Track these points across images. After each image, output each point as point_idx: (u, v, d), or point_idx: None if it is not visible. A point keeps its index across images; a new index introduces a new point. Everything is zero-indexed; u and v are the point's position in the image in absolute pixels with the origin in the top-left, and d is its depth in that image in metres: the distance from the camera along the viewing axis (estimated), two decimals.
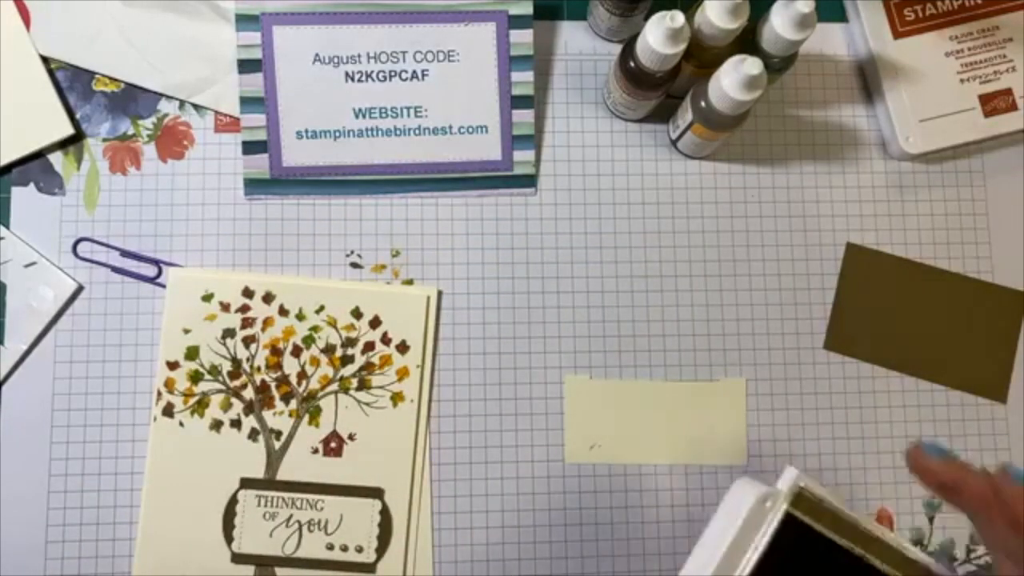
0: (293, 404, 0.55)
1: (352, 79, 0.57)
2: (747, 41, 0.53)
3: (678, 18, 0.48)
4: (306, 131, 0.57)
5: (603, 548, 0.55)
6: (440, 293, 0.57)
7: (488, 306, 0.57)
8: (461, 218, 0.58)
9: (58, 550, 0.53)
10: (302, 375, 0.55)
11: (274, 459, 0.54)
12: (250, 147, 0.57)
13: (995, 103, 0.59)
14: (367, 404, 0.55)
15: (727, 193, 0.59)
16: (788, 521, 0.40)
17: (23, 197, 0.56)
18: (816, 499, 0.41)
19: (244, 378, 0.55)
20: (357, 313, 0.56)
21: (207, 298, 0.55)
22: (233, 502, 0.54)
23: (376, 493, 0.54)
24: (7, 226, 0.55)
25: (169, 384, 0.54)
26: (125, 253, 0.56)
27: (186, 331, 0.55)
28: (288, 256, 0.57)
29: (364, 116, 0.57)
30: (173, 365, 0.54)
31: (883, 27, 0.60)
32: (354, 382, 0.55)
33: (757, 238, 0.59)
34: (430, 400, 0.56)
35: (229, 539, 0.53)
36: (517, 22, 0.58)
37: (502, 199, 0.58)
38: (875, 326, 0.59)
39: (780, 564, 0.40)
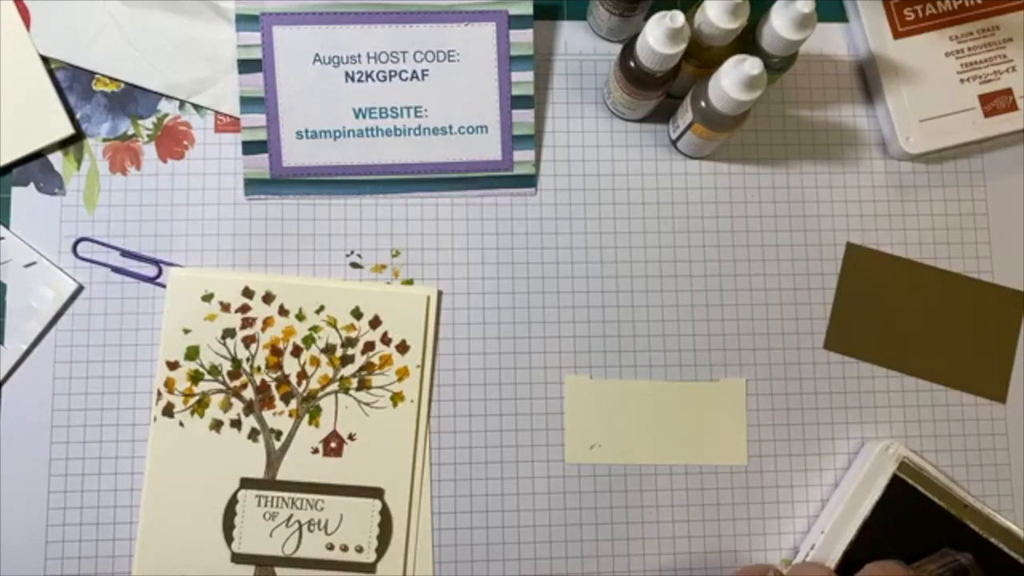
0: (293, 404, 0.55)
1: (352, 79, 0.57)
2: (747, 41, 0.53)
3: (678, 18, 0.48)
4: (306, 131, 0.57)
5: (603, 548, 0.55)
6: (440, 293, 0.57)
7: (488, 306, 0.57)
8: (461, 218, 0.58)
9: (58, 550, 0.53)
10: (302, 375, 0.55)
11: (274, 459, 0.54)
12: (250, 147, 0.57)
13: (995, 103, 0.59)
14: (367, 404, 0.55)
15: (727, 193, 0.59)
16: (895, 482, 0.54)
17: (23, 197, 0.56)
18: (918, 468, 0.54)
19: (244, 378, 0.55)
20: (357, 313, 0.56)
21: (207, 298, 0.55)
22: (233, 502, 0.54)
23: (376, 493, 0.54)
24: (7, 226, 0.55)
25: (169, 384, 0.54)
26: (125, 253, 0.56)
27: (186, 331, 0.55)
28: (288, 256, 0.57)
29: (364, 116, 0.57)
30: (173, 365, 0.54)
31: (883, 27, 0.60)
32: (354, 382, 0.55)
33: (757, 238, 0.59)
34: (430, 400, 0.56)
35: (229, 539, 0.53)
36: (517, 22, 0.58)
37: (502, 199, 0.58)
38: (875, 326, 0.59)
39: (889, 518, 0.53)
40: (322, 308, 0.56)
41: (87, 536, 0.53)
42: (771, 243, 0.59)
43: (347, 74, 0.57)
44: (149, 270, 0.56)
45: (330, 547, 0.54)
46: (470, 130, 0.58)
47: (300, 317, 0.55)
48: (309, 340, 0.55)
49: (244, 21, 0.56)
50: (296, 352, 0.55)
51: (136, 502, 0.54)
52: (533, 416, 0.56)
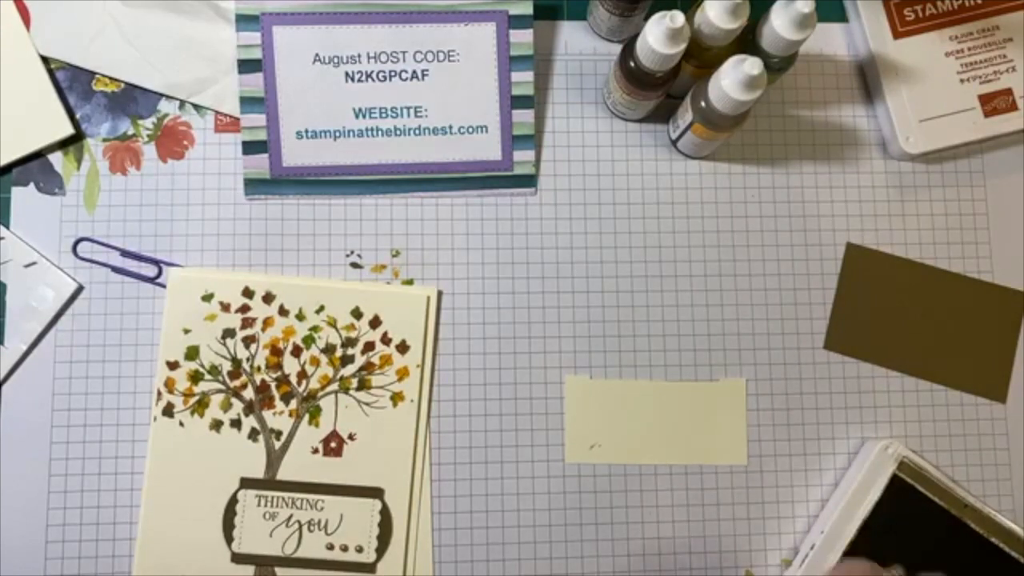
0: (293, 404, 0.55)
1: (352, 79, 0.57)
2: (747, 41, 0.54)
3: (678, 18, 0.48)
4: (306, 131, 0.57)
5: (603, 548, 0.55)
6: (440, 293, 0.57)
7: (488, 306, 0.57)
8: (461, 218, 0.58)
9: (58, 550, 0.53)
10: (302, 375, 0.55)
11: (274, 459, 0.54)
12: (250, 147, 0.57)
13: (995, 103, 0.59)
14: (367, 404, 0.55)
15: (727, 193, 0.59)
16: (895, 482, 0.54)
17: (23, 197, 0.56)
18: (917, 467, 0.54)
19: (244, 378, 0.55)
20: (357, 313, 0.56)
21: (207, 298, 0.55)
22: (233, 502, 0.54)
23: (376, 493, 0.54)
24: (7, 226, 0.55)
25: (169, 384, 0.54)
26: (125, 253, 0.56)
27: (186, 331, 0.55)
28: (288, 256, 0.57)
29: (364, 116, 0.57)
30: (173, 365, 0.54)
31: (883, 27, 0.60)
32: (354, 382, 0.55)
33: (757, 238, 0.59)
34: (430, 400, 0.56)
35: (229, 539, 0.53)
36: (517, 22, 0.58)
37: (502, 199, 0.58)
38: (875, 326, 0.59)
39: (889, 518, 0.53)
40: (322, 308, 0.56)
41: (87, 536, 0.53)
42: (771, 243, 0.59)
43: (347, 74, 0.57)
44: (149, 270, 0.56)
45: (330, 547, 0.54)
46: (470, 130, 0.58)
47: (300, 317, 0.55)
48: (309, 340, 0.55)
49: (244, 21, 0.56)
50: (296, 352, 0.55)
51: (136, 502, 0.54)
52: (533, 416, 0.56)
